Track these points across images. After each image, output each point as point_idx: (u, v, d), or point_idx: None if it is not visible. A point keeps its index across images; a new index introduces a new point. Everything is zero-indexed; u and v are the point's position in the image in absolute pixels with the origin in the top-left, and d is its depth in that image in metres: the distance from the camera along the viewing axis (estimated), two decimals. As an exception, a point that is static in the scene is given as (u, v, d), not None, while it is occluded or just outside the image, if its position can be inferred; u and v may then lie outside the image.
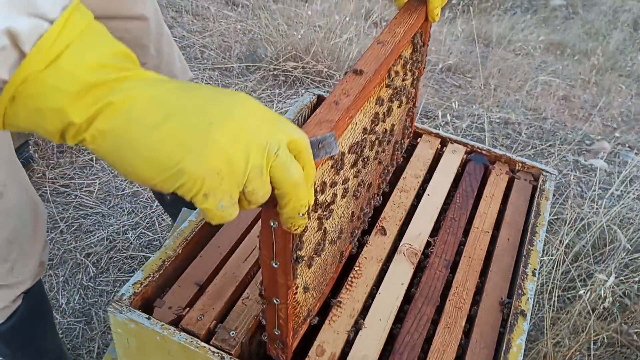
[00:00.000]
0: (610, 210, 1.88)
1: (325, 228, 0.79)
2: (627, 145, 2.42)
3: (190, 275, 0.96)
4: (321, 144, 0.60)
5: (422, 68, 1.10)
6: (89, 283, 1.84)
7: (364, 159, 0.90)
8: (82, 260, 1.89)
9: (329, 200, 0.79)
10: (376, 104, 0.92)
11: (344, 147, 0.82)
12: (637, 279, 1.66)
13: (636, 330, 1.56)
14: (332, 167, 0.77)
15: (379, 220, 1.09)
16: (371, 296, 0.96)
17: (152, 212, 2.06)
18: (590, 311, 1.60)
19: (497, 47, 3.78)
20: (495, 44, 3.87)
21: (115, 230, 1.99)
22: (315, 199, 0.73)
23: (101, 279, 1.86)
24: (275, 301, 0.74)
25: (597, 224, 1.85)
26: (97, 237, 1.96)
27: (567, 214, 1.86)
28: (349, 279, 0.97)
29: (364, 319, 0.92)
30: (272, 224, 0.64)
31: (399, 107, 1.04)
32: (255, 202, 0.51)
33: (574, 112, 2.72)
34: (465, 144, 1.27)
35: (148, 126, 0.44)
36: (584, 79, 3.20)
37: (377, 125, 0.93)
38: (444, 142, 1.29)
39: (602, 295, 1.43)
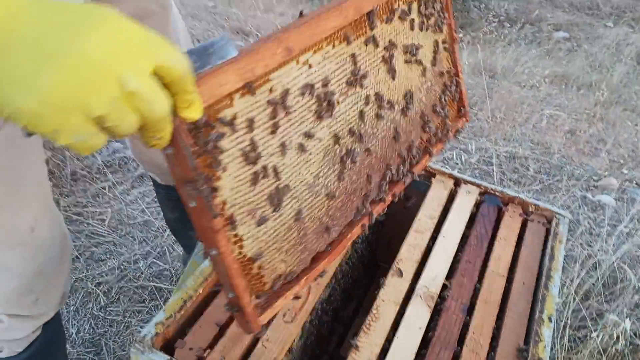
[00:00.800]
0: (619, 248, 1.89)
1: (264, 174, 0.71)
2: (634, 182, 2.44)
3: (210, 315, 0.97)
4: (210, 50, 0.56)
5: (452, 29, 1.06)
6: (99, 313, 1.84)
7: (339, 110, 0.81)
8: (92, 289, 1.90)
9: (260, 142, 0.70)
10: (365, 44, 0.85)
11: (289, 85, 0.72)
12: (648, 319, 1.66)
13: (648, 372, 1.56)
14: (268, 102, 0.70)
15: (395, 262, 1.10)
16: (389, 340, 0.97)
17: (163, 242, 2.07)
18: (602, 351, 1.60)
19: (502, 79, 3.84)
20: (501, 76, 3.93)
21: (127, 259, 2.00)
22: (233, 133, 0.65)
23: (111, 308, 1.86)
24: (212, 252, 0.68)
25: (607, 262, 1.86)
26: (108, 266, 1.97)
27: (576, 252, 1.87)
28: (367, 322, 0.98)
29: (382, 364, 0.92)
30: (167, 150, 0.60)
31: (421, 72, 0.98)
32: (120, 134, 0.48)
33: (580, 147, 2.75)
34: (478, 185, 1.29)
35: None
36: (589, 113, 3.24)
37: (361, 77, 0.83)
38: (458, 182, 1.31)
39: (615, 337, 1.43)
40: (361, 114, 0.86)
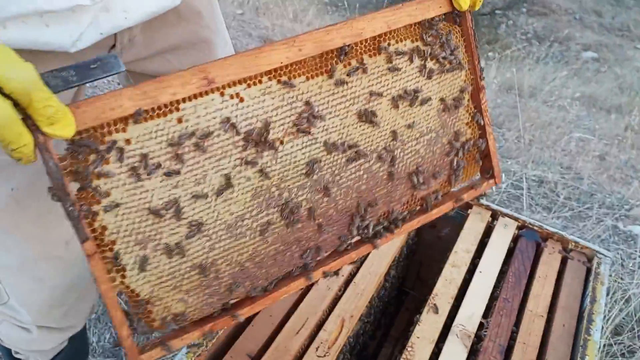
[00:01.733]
0: (653, 282, 1.83)
1: (163, 207, 0.66)
2: (667, 212, 2.38)
3: (242, 345, 0.95)
4: (94, 65, 0.57)
5: (476, 73, 0.90)
6: (120, 322, 1.83)
7: (278, 151, 0.73)
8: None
9: (158, 172, 0.66)
10: (336, 84, 0.76)
11: (208, 117, 0.67)
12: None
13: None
14: (174, 133, 0.66)
15: (430, 297, 1.07)
16: (424, 380, 0.94)
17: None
18: (632, 391, 1.55)
19: (530, 99, 3.78)
20: (528, 95, 3.88)
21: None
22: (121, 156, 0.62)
23: (132, 318, 1.85)
24: (92, 277, 0.64)
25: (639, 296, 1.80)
26: (131, 275, 1.96)
27: (607, 284, 1.81)
28: (402, 359, 0.95)
29: (417, 405, 0.89)
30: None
31: (420, 121, 0.86)
32: None
33: (611, 174, 2.69)
34: (516, 219, 1.26)
35: None
36: (620, 138, 3.17)
37: (315, 118, 0.75)
38: (495, 215, 1.27)
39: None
40: (315, 159, 0.77)
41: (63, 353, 1.20)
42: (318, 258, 0.80)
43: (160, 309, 0.69)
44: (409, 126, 0.85)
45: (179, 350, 0.88)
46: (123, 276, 0.65)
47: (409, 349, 0.97)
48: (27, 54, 0.71)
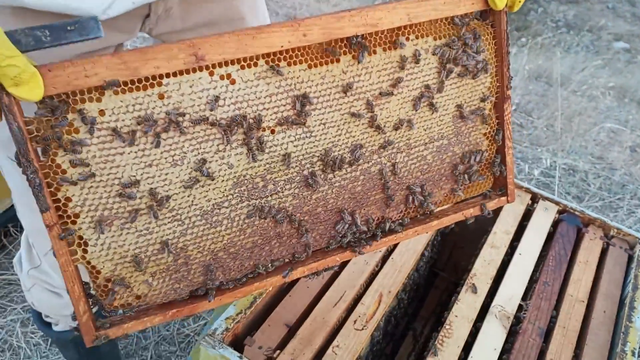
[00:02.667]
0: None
1: (133, 184, 0.63)
2: (701, 207, 2.32)
3: (279, 314, 0.95)
4: (71, 27, 0.54)
5: (503, 81, 0.81)
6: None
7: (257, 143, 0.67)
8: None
9: (131, 149, 0.61)
10: (344, 71, 0.69)
11: (192, 96, 0.63)
12: None
13: None
14: (154, 108, 0.61)
15: (469, 277, 1.06)
16: (461, 358, 0.93)
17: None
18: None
19: (559, 87, 3.70)
20: (558, 84, 3.79)
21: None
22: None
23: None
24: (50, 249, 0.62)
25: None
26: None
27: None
28: (440, 337, 0.94)
29: (455, 383, 0.89)
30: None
31: (432, 125, 0.78)
32: None
33: (644, 166, 2.62)
34: (557, 203, 1.23)
35: None
36: (653, 130, 3.09)
37: (307, 109, 0.68)
38: (535, 198, 1.25)
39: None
40: (308, 153, 0.71)
41: None
42: (298, 257, 0.75)
43: (122, 289, 0.66)
44: (419, 130, 0.77)
45: (140, 331, 0.76)
46: (85, 251, 0.63)
47: (447, 326, 0.96)
48: (56, 17, 0.69)
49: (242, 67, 0.64)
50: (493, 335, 0.96)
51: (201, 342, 0.88)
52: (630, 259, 1.15)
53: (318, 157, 0.71)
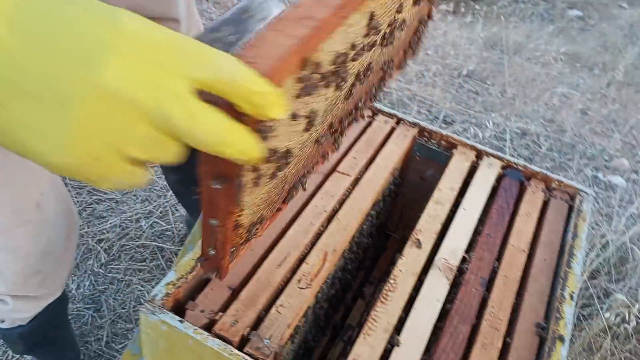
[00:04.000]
0: (630, 228, 1.86)
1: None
2: (646, 164, 2.41)
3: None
4: (247, 13, 0.45)
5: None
6: (100, 270, 1.81)
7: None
8: (93, 246, 1.86)
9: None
10: None
11: (329, 56, 0.60)
12: (654, 301, 1.65)
13: (652, 354, 1.55)
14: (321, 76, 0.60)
15: (413, 232, 1.06)
16: (406, 311, 0.94)
17: (166, 202, 2.03)
18: (607, 330, 1.59)
19: (514, 55, 3.75)
20: (513, 52, 3.84)
21: (128, 218, 1.96)
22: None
23: (112, 266, 1.83)
24: (212, 222, 0.61)
25: (617, 243, 1.84)
26: (110, 223, 1.93)
27: (588, 221, 1.84)
28: (384, 292, 0.95)
29: (399, 334, 0.89)
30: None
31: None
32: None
33: (592, 127, 2.70)
34: (501, 159, 1.25)
35: None
36: (602, 93, 3.18)
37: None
38: (480, 155, 1.26)
39: (626, 319, 1.41)
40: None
41: (41, 315, 1.17)
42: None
43: (244, 230, 0.69)
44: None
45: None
46: (240, 216, 0.63)
47: (392, 281, 0.97)
48: None
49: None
50: (436, 287, 0.98)
51: (140, 309, 0.86)
52: (570, 209, 1.18)
53: None
